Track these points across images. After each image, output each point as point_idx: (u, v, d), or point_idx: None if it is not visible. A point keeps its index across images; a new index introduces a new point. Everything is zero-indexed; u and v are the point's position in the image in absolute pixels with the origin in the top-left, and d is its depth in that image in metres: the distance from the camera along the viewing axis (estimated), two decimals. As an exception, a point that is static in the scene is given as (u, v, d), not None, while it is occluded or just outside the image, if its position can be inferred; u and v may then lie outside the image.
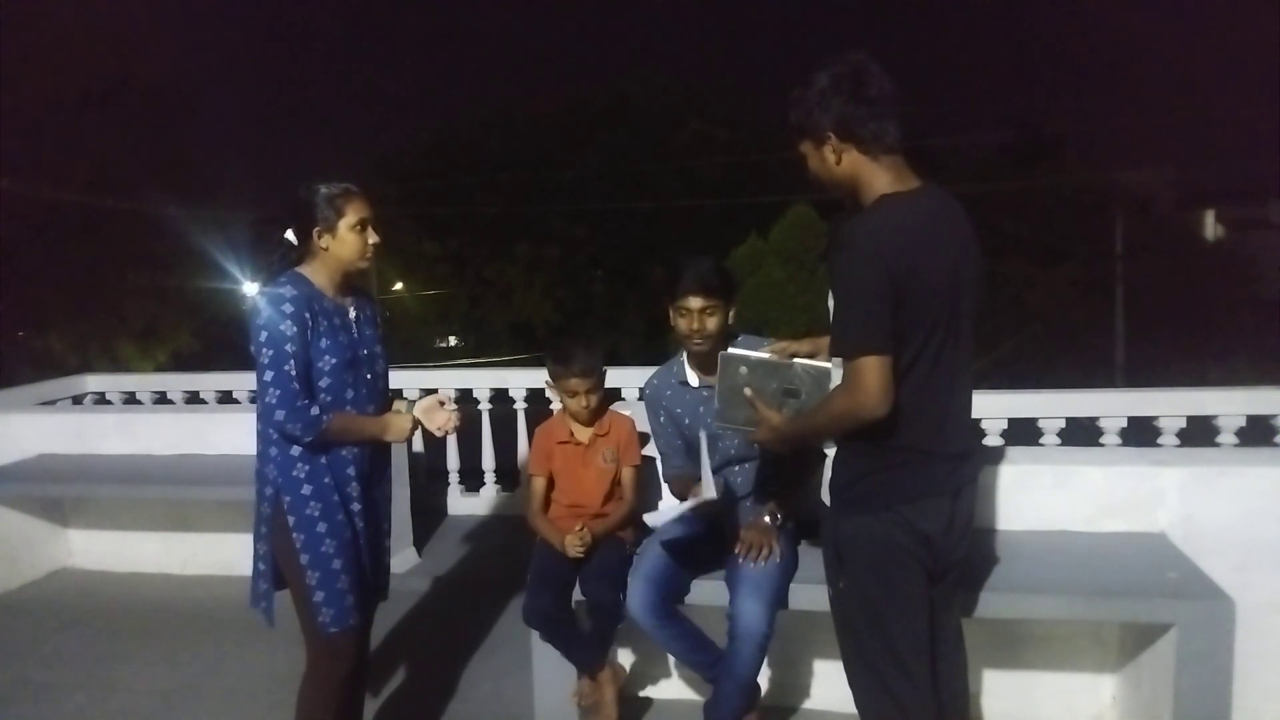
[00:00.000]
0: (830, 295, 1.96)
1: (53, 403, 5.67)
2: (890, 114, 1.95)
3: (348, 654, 2.46)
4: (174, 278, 18.98)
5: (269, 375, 2.28)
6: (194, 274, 19.19)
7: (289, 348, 2.29)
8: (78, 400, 5.98)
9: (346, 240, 2.40)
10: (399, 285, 28.14)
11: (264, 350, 2.29)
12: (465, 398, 5.50)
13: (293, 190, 2.42)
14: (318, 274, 2.42)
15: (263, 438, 2.41)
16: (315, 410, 2.32)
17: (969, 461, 2.07)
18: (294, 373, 2.29)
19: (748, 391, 2.13)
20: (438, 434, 2.59)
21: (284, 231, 2.43)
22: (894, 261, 1.83)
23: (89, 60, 18.22)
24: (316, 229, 2.38)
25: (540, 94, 29.45)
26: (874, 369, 1.83)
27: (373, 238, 2.43)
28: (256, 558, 2.48)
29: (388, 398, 2.62)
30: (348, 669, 2.47)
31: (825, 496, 2.10)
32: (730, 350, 2.26)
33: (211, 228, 18.80)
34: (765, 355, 2.23)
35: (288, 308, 2.30)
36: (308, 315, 2.33)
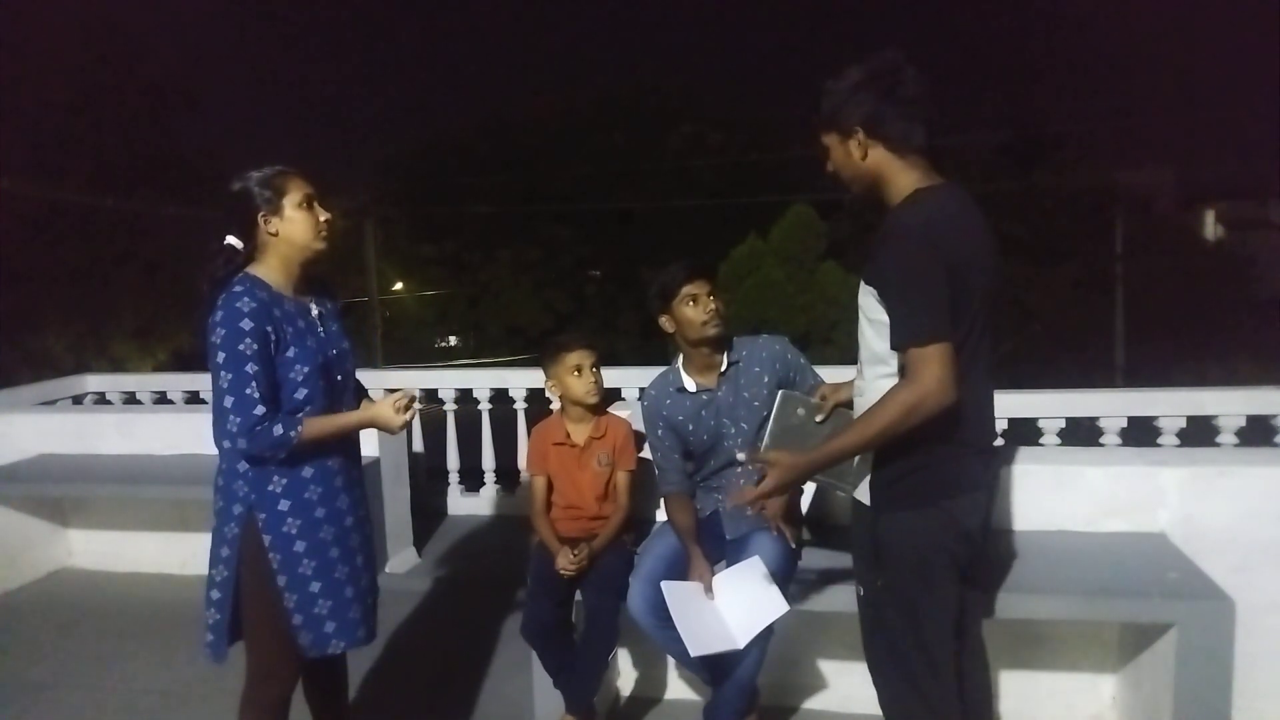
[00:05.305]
0: (870, 292, 1.93)
1: (53, 403, 5.68)
2: (920, 116, 1.95)
3: (286, 677, 2.28)
4: (173, 277, 18.94)
5: (229, 401, 2.08)
6: (193, 273, 19.14)
7: (250, 368, 2.09)
8: (78, 400, 5.99)
9: (295, 219, 2.21)
10: (399, 285, 28.18)
11: (222, 373, 2.09)
12: (465, 397, 5.51)
13: (225, 188, 2.24)
14: (272, 271, 2.23)
15: (228, 454, 2.21)
16: (279, 430, 2.11)
17: (997, 456, 2.07)
18: (256, 395, 2.09)
19: (818, 416, 2.22)
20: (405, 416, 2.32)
21: (224, 236, 2.23)
22: (948, 251, 1.84)
23: (89, 60, 18.15)
24: (261, 214, 2.19)
25: (535, 96, 29.48)
26: (941, 356, 1.80)
27: (323, 214, 2.25)
28: (210, 585, 2.24)
29: (359, 395, 2.44)
30: (287, 693, 2.29)
31: (862, 495, 2.08)
32: (789, 391, 2.39)
33: (211, 227, 18.74)
34: (818, 401, 2.35)
35: (246, 324, 2.09)
36: (270, 328, 2.13)
